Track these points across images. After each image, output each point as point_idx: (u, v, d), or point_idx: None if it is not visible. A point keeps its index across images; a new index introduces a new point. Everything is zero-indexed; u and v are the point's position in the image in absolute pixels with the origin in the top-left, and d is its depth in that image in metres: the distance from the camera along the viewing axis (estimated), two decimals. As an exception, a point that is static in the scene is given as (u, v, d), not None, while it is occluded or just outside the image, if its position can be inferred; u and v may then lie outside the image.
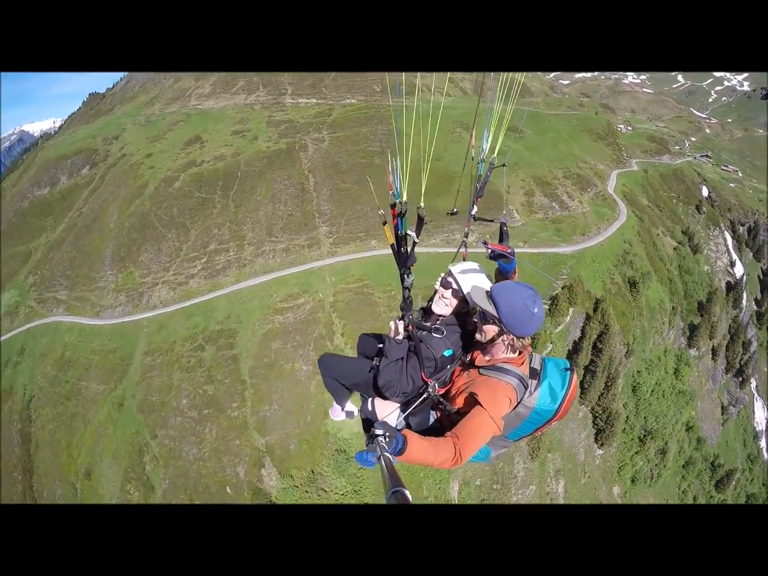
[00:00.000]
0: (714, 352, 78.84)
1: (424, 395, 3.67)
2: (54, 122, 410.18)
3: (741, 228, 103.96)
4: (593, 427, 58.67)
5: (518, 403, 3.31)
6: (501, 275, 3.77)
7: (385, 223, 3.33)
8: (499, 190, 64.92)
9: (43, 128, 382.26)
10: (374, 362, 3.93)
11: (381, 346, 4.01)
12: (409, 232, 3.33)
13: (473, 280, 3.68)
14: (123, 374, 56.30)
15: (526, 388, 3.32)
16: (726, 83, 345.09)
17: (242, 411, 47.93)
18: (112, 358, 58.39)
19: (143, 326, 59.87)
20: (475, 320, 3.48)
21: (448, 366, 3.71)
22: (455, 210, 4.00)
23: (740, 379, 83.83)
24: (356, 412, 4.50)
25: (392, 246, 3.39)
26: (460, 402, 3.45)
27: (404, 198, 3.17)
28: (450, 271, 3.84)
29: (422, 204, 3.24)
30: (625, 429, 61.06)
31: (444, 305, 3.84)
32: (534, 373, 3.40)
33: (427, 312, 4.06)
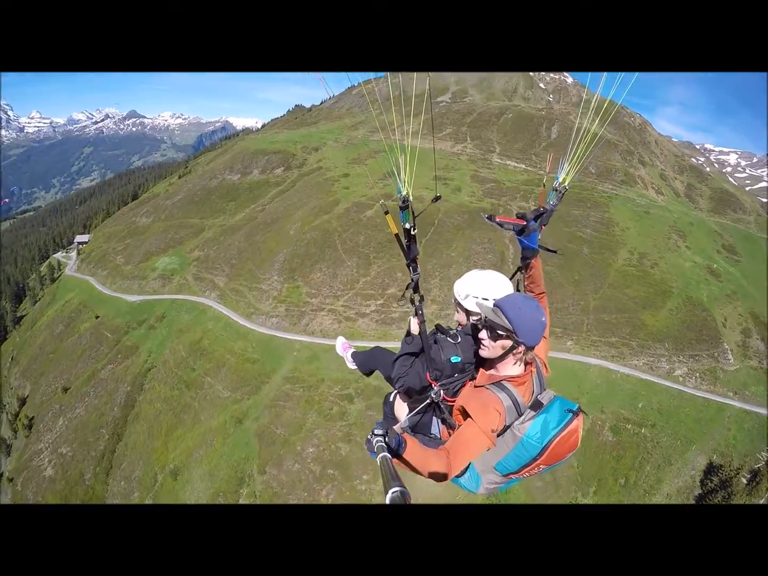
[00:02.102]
0: None
1: (428, 399, 3.54)
2: (256, 122, 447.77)
3: None
4: None
5: (507, 427, 3.04)
6: (525, 257, 3.67)
7: (387, 213, 3.44)
8: (714, 321, 58.48)
9: (246, 124, 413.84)
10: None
11: None
12: (407, 225, 3.30)
13: (473, 290, 3.53)
14: (255, 390, 50.30)
15: (518, 414, 3.04)
16: None
17: (371, 487, 40.55)
18: (249, 368, 52.64)
19: (294, 349, 53.97)
20: (481, 337, 3.16)
21: (456, 375, 3.49)
22: (438, 195, 4.04)
23: None
24: (353, 366, 4.76)
25: (396, 237, 3.43)
26: (458, 417, 3.28)
27: (405, 192, 3.22)
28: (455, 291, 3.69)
29: (408, 192, 3.24)
30: None
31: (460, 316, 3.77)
32: (537, 406, 3.08)
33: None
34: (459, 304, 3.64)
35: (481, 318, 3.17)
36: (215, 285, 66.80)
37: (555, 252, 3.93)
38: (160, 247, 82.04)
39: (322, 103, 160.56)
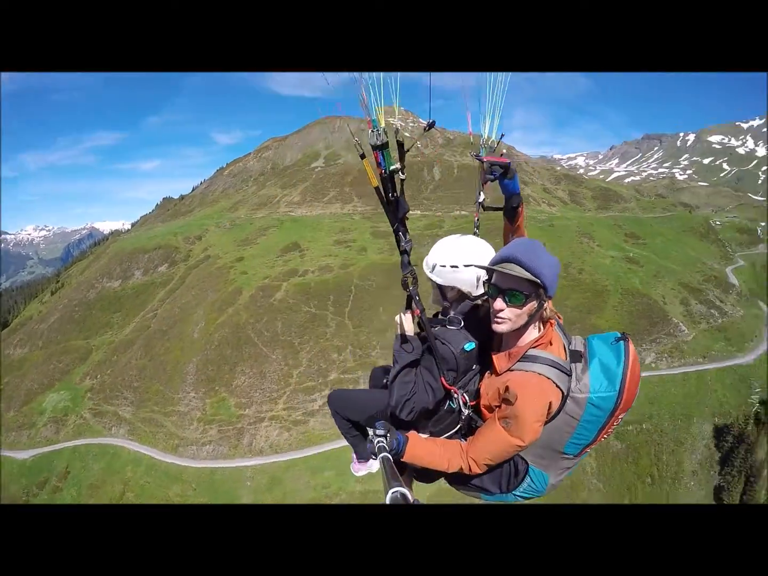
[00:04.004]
0: None
1: (452, 411, 2.91)
2: (123, 224, 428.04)
3: None
4: None
5: (565, 397, 2.57)
6: (510, 206, 3.12)
7: (363, 157, 2.52)
8: (657, 302, 63.71)
9: (113, 227, 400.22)
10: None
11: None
12: (394, 167, 2.56)
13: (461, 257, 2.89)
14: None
15: (569, 375, 2.58)
16: None
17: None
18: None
19: (246, 477, 45.58)
20: (498, 308, 2.55)
21: (474, 367, 2.89)
22: (432, 120, 2.66)
23: None
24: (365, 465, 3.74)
25: (377, 191, 2.61)
26: (487, 414, 2.82)
27: (383, 124, 2.47)
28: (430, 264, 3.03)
29: (397, 123, 2.48)
30: None
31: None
32: (577, 356, 2.68)
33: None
34: (443, 287, 2.99)
35: (492, 287, 2.60)
36: (121, 418, 55.57)
37: (502, 209, 3.26)
38: (44, 383, 67.43)
39: (193, 190, 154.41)
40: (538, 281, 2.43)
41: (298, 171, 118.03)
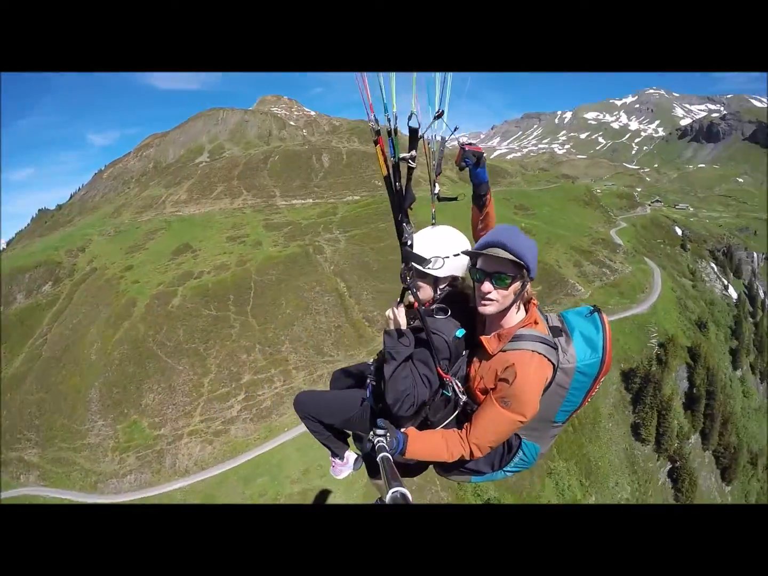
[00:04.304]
0: (752, 367, 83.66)
1: (447, 399, 2.87)
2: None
3: (719, 254, 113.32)
4: (717, 467, 61.77)
5: (556, 370, 2.68)
6: (480, 194, 3.15)
7: (377, 142, 2.50)
8: (552, 267, 67.31)
9: None
10: (369, 386, 3.18)
11: (371, 366, 3.28)
12: (403, 155, 2.54)
13: (443, 247, 2.98)
14: None
15: (555, 348, 2.69)
16: (642, 134, 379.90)
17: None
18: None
19: (177, 501, 41.40)
20: (486, 290, 2.64)
21: (463, 353, 2.91)
22: (441, 111, 2.63)
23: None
24: (357, 459, 3.59)
25: (386, 181, 2.63)
26: (482, 397, 2.82)
27: (395, 108, 2.38)
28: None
29: (414, 108, 2.34)
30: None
31: (421, 293, 3.02)
32: (557, 331, 2.79)
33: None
34: (438, 278, 2.98)
35: (479, 271, 2.68)
36: (28, 463, 49.98)
37: (455, 199, 3.42)
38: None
39: (71, 197, 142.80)
40: (522, 263, 2.55)
41: (182, 168, 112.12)
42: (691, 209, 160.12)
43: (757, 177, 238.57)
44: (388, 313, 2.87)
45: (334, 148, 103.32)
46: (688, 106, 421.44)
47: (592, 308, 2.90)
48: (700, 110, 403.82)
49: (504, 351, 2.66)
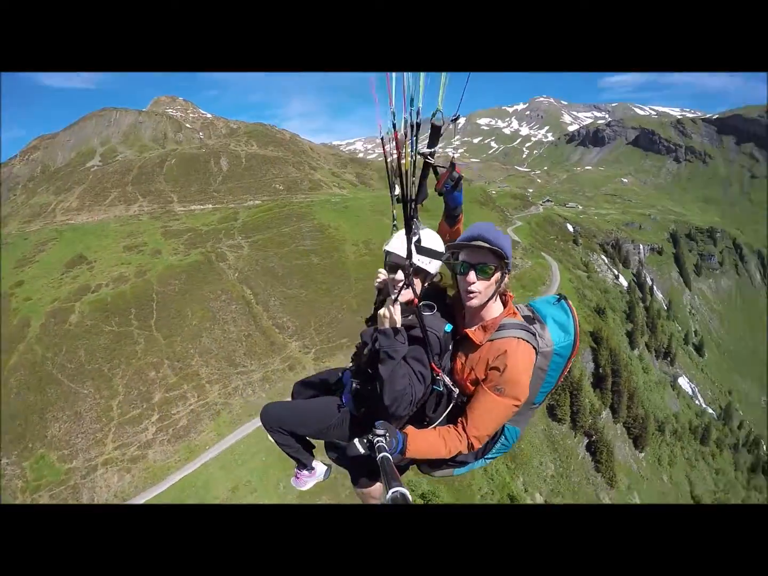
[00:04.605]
0: (647, 346, 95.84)
1: (439, 394, 2.90)
2: None
3: (609, 247, 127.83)
4: (629, 437, 67.52)
5: (536, 354, 2.78)
6: (453, 215, 3.30)
7: (385, 139, 2.49)
8: None
9: None
10: (347, 391, 3.23)
11: (350, 369, 3.36)
12: (423, 150, 2.65)
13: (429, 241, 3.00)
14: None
15: (534, 335, 2.80)
16: (533, 139, 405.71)
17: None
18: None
19: None
20: (470, 281, 2.74)
21: (450, 347, 2.95)
22: (457, 114, 2.72)
23: (668, 359, 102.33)
24: (327, 470, 3.60)
25: (394, 175, 2.58)
26: (472, 388, 2.87)
27: (420, 104, 2.30)
28: (390, 249, 3.05)
29: (440, 106, 2.35)
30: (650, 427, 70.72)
31: (407, 292, 2.88)
32: (530, 320, 2.91)
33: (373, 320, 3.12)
34: (430, 274, 3.02)
35: (463, 264, 2.79)
36: None
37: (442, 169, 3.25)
38: None
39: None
40: (503, 253, 2.66)
41: (72, 172, 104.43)
42: (581, 207, 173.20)
43: (639, 177, 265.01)
44: (383, 311, 2.72)
45: (233, 152, 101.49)
46: (575, 113, 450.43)
47: (558, 296, 3.04)
48: (587, 117, 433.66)
49: (491, 340, 2.76)
